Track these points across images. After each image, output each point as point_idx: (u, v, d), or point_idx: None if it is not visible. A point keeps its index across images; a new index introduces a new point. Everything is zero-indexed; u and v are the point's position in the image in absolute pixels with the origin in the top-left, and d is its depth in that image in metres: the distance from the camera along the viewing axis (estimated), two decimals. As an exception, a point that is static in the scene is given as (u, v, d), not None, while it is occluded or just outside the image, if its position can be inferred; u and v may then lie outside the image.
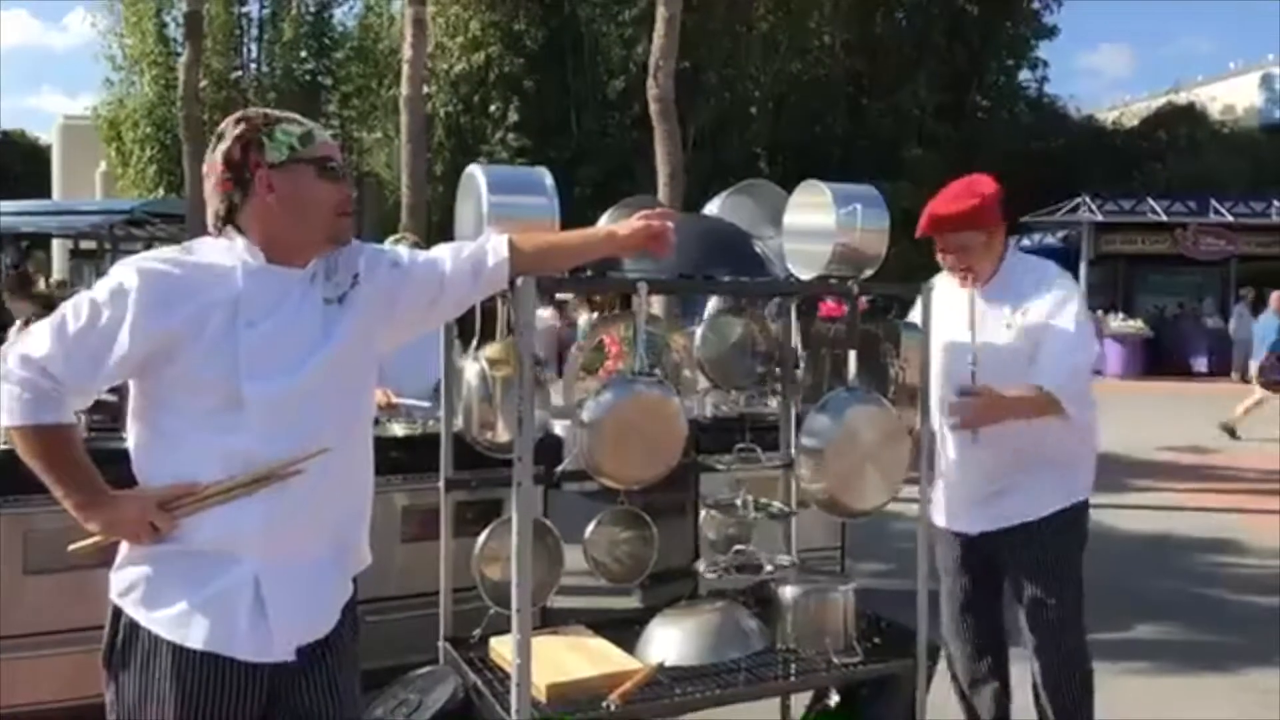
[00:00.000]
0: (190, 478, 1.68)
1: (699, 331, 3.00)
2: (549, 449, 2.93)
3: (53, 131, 30.87)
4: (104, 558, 1.78)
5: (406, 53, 11.59)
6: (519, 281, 2.05)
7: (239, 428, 1.68)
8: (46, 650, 3.18)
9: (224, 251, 1.75)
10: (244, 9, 25.34)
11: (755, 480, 3.02)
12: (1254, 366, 11.93)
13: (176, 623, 1.69)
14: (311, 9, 26.09)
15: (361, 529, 1.89)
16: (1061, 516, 2.87)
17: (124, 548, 1.75)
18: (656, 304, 5.78)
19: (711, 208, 3.00)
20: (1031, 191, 20.06)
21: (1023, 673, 3.02)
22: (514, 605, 2.12)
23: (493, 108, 23.27)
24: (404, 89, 11.62)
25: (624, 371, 2.39)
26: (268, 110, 1.84)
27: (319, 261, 1.80)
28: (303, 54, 26.03)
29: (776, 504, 2.89)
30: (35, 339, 1.66)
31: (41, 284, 18.83)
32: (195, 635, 1.68)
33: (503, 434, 2.57)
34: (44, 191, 26.11)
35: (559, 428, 3.38)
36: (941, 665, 2.86)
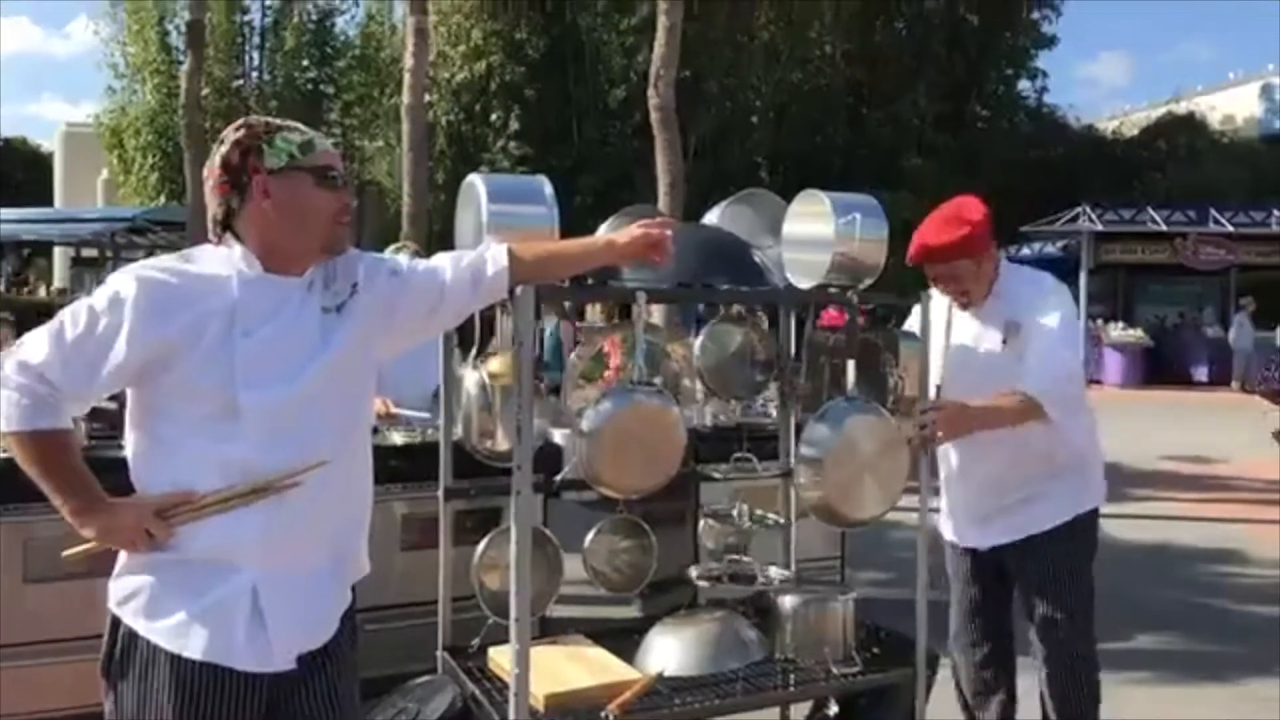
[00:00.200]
0: (187, 485, 1.68)
1: (698, 341, 3.00)
2: (548, 458, 2.93)
3: (54, 139, 30.92)
4: (101, 565, 1.78)
5: (408, 61, 11.61)
6: (518, 291, 2.05)
7: (235, 436, 1.68)
8: (47, 659, 3.17)
9: (222, 260, 1.75)
10: (246, 17, 25.40)
11: (755, 490, 3.02)
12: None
13: (175, 632, 1.69)
14: (313, 18, 26.15)
15: (360, 538, 1.89)
16: (1072, 526, 2.86)
17: (122, 557, 1.75)
18: (656, 313, 5.78)
19: (711, 217, 3.00)
20: (1031, 201, 20.12)
21: (1028, 683, 3.02)
22: (513, 614, 2.12)
23: (494, 116, 23.29)
24: (405, 97, 11.64)
25: (623, 380, 2.39)
26: (270, 119, 1.85)
27: (317, 270, 1.80)
28: (305, 62, 26.08)
29: (772, 515, 2.89)
30: (33, 346, 1.66)
31: (43, 291, 18.89)
32: (194, 645, 1.68)
33: (502, 442, 2.57)
34: (46, 199, 26.15)
35: (558, 436, 3.38)
36: (942, 675, 2.86)
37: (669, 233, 2.12)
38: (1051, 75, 36.37)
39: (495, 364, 2.53)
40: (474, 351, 2.67)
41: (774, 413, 3.13)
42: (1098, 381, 17.67)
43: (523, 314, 2.10)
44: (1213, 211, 19.94)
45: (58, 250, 20.82)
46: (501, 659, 2.37)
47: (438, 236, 12.03)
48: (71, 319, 1.67)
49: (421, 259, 2.05)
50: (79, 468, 1.71)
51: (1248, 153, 28.35)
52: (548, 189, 2.32)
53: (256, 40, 25.84)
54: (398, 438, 3.89)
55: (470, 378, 2.61)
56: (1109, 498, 2.98)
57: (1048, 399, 2.59)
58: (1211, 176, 24.68)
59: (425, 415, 3.87)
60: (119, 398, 1.81)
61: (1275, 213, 19.87)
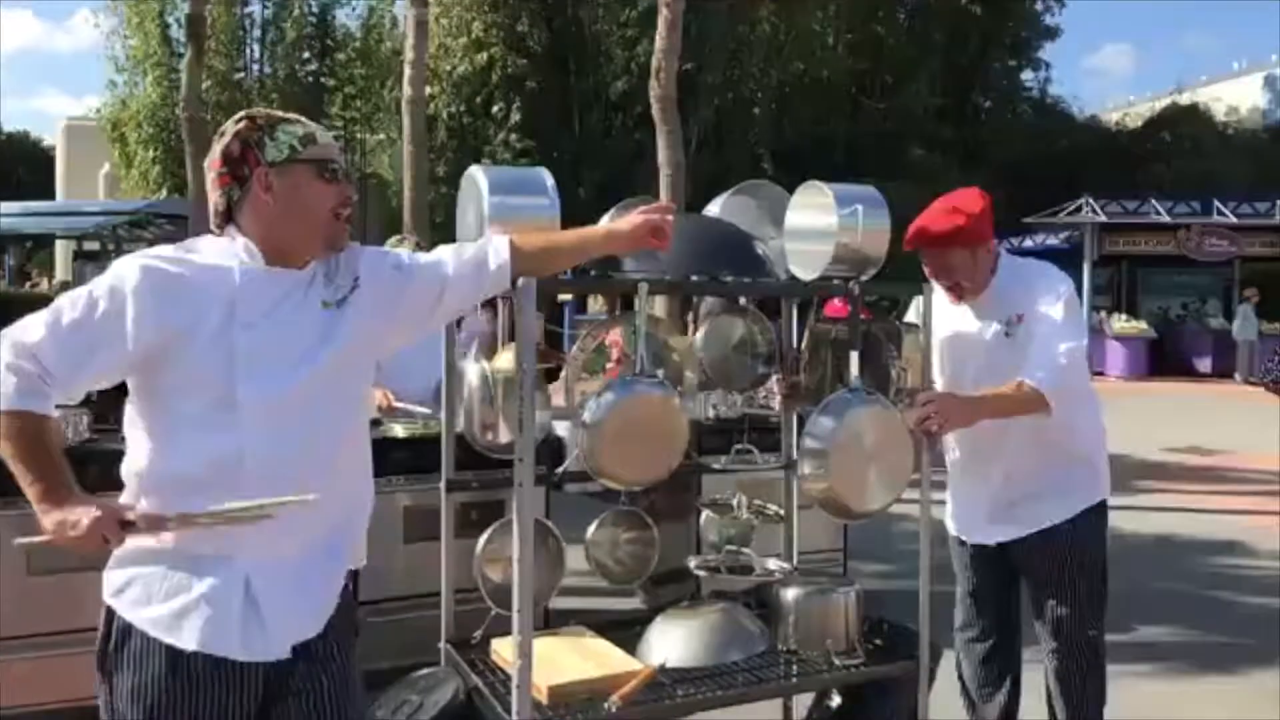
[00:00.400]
0: (178, 477, 1.67)
1: (700, 333, 2.99)
2: (551, 450, 2.93)
3: (56, 133, 30.92)
4: (85, 559, 1.74)
5: (409, 54, 11.60)
6: (520, 283, 2.04)
7: (231, 428, 1.67)
8: (50, 651, 3.18)
9: (224, 251, 1.75)
10: (247, 10, 25.35)
11: (758, 482, 3.02)
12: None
13: (169, 623, 1.69)
14: (314, 10, 26.11)
15: (357, 528, 1.89)
16: (1080, 519, 2.85)
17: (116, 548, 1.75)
18: (659, 305, 5.76)
19: (713, 208, 2.99)
20: (1034, 192, 20.08)
21: (1031, 677, 3.02)
22: (515, 606, 2.12)
23: (495, 109, 23.26)
24: (406, 90, 11.62)
25: (625, 372, 2.39)
26: (272, 111, 1.84)
27: (318, 264, 1.80)
28: (305, 55, 26.05)
29: (772, 506, 2.89)
30: (29, 327, 1.65)
31: (45, 284, 18.90)
32: (188, 635, 1.68)
33: (504, 435, 2.57)
34: (48, 194, 26.17)
35: (561, 429, 3.38)
36: (945, 666, 2.86)
37: (669, 217, 2.11)
38: (1055, 66, 36.37)
39: (502, 361, 2.54)
40: (476, 345, 2.66)
41: (776, 405, 3.12)
42: (1101, 374, 17.64)
43: (525, 307, 2.10)
44: (1216, 203, 19.87)
45: (60, 243, 20.81)
46: (504, 651, 2.37)
47: (439, 229, 12.03)
48: (70, 304, 1.66)
49: (423, 252, 2.05)
50: (55, 455, 1.67)
51: (1252, 143, 28.25)
52: (549, 181, 2.32)
53: (257, 33, 25.81)
54: (400, 430, 3.89)
55: (472, 370, 2.61)
56: (1112, 489, 2.98)
57: (1049, 389, 2.57)
58: (1215, 168, 24.59)
59: (426, 411, 3.87)
60: (123, 388, 1.80)
61: (1279, 203, 19.82)
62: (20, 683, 3.21)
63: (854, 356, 2.49)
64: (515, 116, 22.84)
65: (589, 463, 2.28)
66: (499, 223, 2.17)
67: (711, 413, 4.28)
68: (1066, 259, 16.36)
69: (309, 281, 1.78)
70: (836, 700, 2.67)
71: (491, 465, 2.62)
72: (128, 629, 1.71)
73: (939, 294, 2.85)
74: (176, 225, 15.07)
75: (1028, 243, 20.15)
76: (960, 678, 3.11)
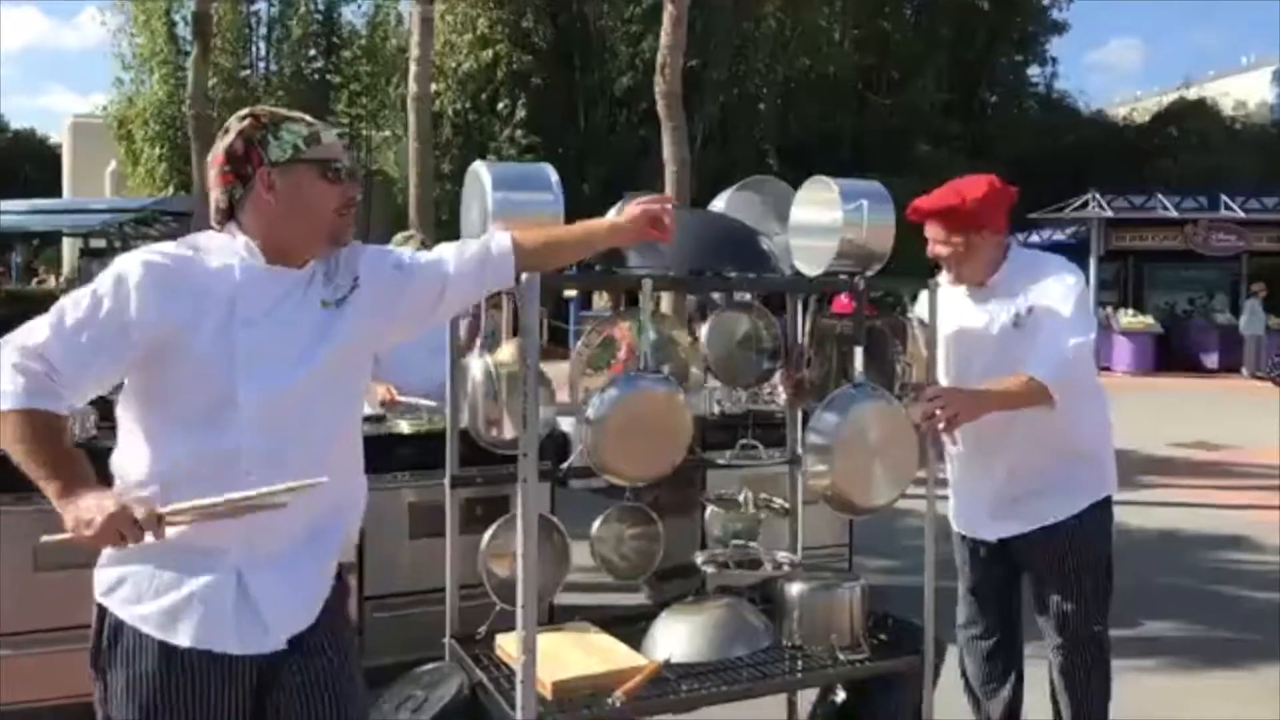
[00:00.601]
0: (173, 474, 1.67)
1: (705, 329, 2.99)
2: (555, 445, 2.93)
3: (63, 130, 31.00)
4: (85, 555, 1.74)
5: (414, 51, 11.59)
6: (524, 278, 2.04)
7: (229, 426, 1.67)
8: (56, 647, 3.19)
9: (225, 248, 1.75)
10: (253, 8, 25.42)
11: (763, 478, 3.02)
12: None
13: (163, 619, 1.69)
14: (320, 7, 26.15)
15: (349, 523, 1.90)
16: (1086, 515, 2.85)
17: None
18: (664, 301, 5.74)
19: (718, 204, 2.99)
20: (1041, 188, 19.98)
21: (1035, 672, 3.01)
22: (520, 601, 2.13)
23: (501, 105, 23.27)
24: (412, 87, 11.61)
25: (630, 368, 2.39)
26: (276, 109, 1.84)
27: (318, 263, 1.80)
28: (311, 52, 26.09)
29: (778, 500, 2.89)
30: (34, 329, 1.65)
31: (52, 281, 18.96)
32: (182, 631, 1.69)
33: (508, 430, 2.57)
34: (54, 191, 26.28)
35: (565, 424, 3.38)
36: (950, 662, 2.86)
37: (669, 207, 2.11)
38: (1062, 62, 36.30)
39: (503, 354, 2.54)
40: (479, 339, 2.67)
41: (781, 400, 3.12)
42: (1107, 369, 17.61)
43: (529, 303, 2.10)
44: (1224, 198, 19.80)
45: (66, 241, 20.89)
46: (509, 646, 2.37)
47: (445, 225, 12.03)
48: (73, 303, 1.66)
49: (428, 249, 2.05)
50: (70, 452, 1.67)
51: (1260, 138, 28.14)
52: (553, 176, 2.32)
53: (263, 30, 25.87)
54: (405, 426, 3.89)
55: (476, 365, 2.61)
56: (1118, 485, 2.97)
57: (1053, 382, 2.56)
58: (1223, 162, 24.51)
59: (431, 404, 3.87)
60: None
61: (1287, 198, 19.76)
62: (29, 678, 3.23)
63: (859, 352, 2.49)
64: (520, 113, 22.85)
65: (593, 458, 2.28)
66: (503, 218, 2.17)
67: (716, 408, 4.28)
68: (1073, 254, 16.21)
69: (308, 280, 1.79)
70: (841, 696, 2.67)
71: (496, 461, 2.62)
72: (119, 626, 1.71)
73: (946, 289, 2.84)
74: (182, 222, 15.11)
75: (1034, 238, 20.10)
76: (964, 674, 3.10)
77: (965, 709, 3.11)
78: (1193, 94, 31.18)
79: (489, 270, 1.95)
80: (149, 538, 1.60)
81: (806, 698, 2.92)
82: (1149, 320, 19.41)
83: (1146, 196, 20.15)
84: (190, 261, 1.71)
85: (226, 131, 1.78)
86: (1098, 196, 19.82)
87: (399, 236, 4.69)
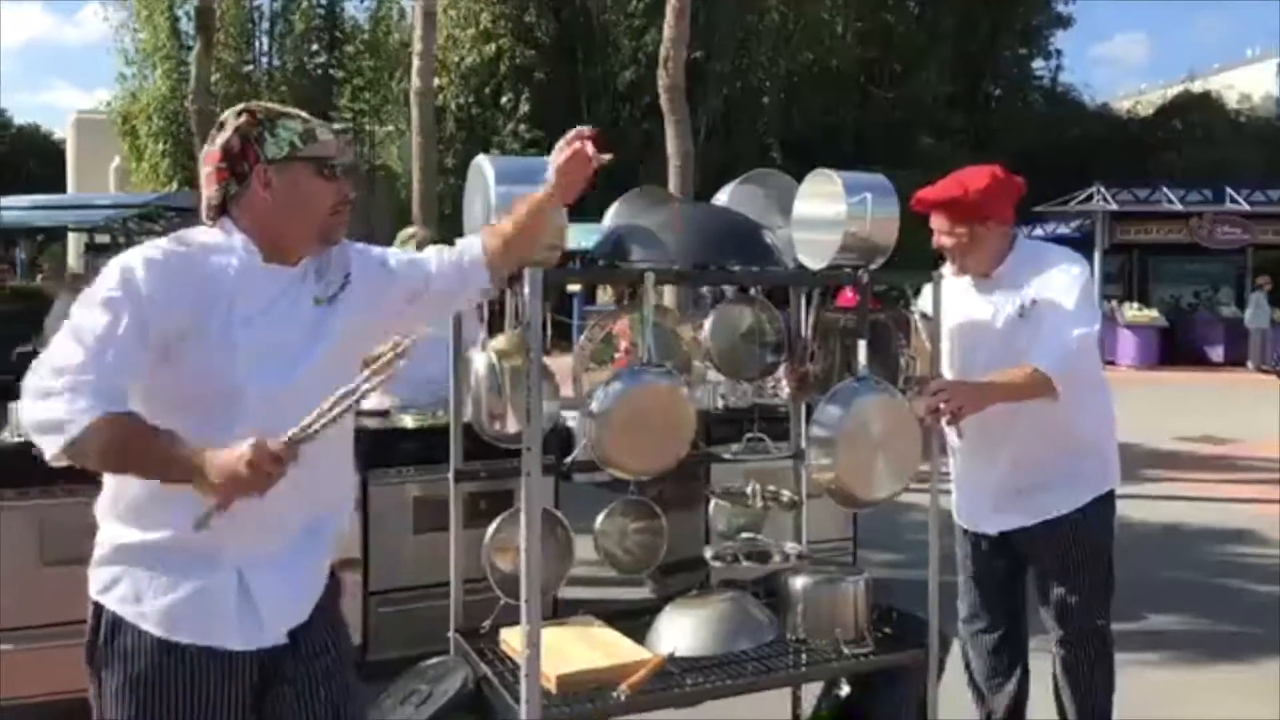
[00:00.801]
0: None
1: (708, 322, 2.99)
2: (559, 440, 2.93)
3: (67, 126, 31.03)
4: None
5: (417, 45, 11.58)
6: (526, 273, 2.05)
7: (230, 424, 1.65)
8: (64, 640, 3.20)
9: (220, 245, 1.74)
10: (255, 3, 25.42)
11: (765, 471, 3.02)
12: None
13: (164, 617, 1.69)
14: (322, 3, 26.15)
15: (342, 519, 1.92)
16: (1088, 510, 2.84)
17: (101, 545, 1.75)
18: (667, 295, 5.73)
19: (721, 197, 2.99)
20: (1045, 181, 19.93)
21: (1039, 667, 3.01)
22: (524, 596, 2.13)
23: (504, 99, 23.24)
24: (414, 81, 11.61)
25: (633, 362, 2.39)
26: (271, 105, 1.84)
27: (310, 261, 1.81)
28: (314, 47, 26.09)
29: (786, 493, 2.89)
30: (59, 351, 1.59)
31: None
32: (185, 629, 1.69)
33: (512, 425, 2.57)
34: (58, 187, 26.29)
35: (569, 418, 3.39)
36: (954, 656, 2.86)
37: (584, 132, 2.09)
38: (1067, 55, 36.19)
39: (502, 342, 2.53)
40: (483, 334, 2.67)
41: (784, 394, 3.12)
42: (1112, 363, 17.57)
43: (531, 296, 2.10)
44: (1229, 190, 19.74)
45: (71, 236, 20.89)
46: (513, 640, 2.38)
47: (448, 220, 12.03)
48: (87, 312, 1.63)
49: (432, 245, 2.06)
50: (166, 435, 1.60)
51: (1265, 131, 28.02)
52: (555, 170, 2.30)
53: (266, 25, 25.86)
54: (409, 421, 3.90)
55: (479, 360, 2.61)
56: (1122, 477, 2.96)
57: (1057, 374, 2.56)
58: (1228, 155, 24.42)
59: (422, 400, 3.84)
60: None
61: (1292, 191, 19.68)
62: (36, 672, 3.24)
63: (862, 345, 2.49)
64: (524, 107, 22.81)
65: (597, 452, 2.28)
66: (506, 212, 2.17)
67: (720, 402, 4.28)
68: (1077, 248, 16.15)
69: (302, 278, 1.79)
70: (845, 689, 2.67)
71: (500, 455, 2.63)
72: (117, 624, 1.71)
73: (950, 280, 2.84)
74: (186, 218, 15.06)
75: (1038, 231, 20.05)
76: (968, 668, 3.10)
77: (969, 703, 3.11)
78: (1197, 87, 31.08)
79: (466, 276, 1.98)
80: (116, 538, 1.66)
81: (811, 691, 2.92)
82: (1154, 314, 19.36)
83: (1151, 190, 20.08)
84: (188, 258, 1.70)
85: (222, 127, 1.77)
86: (1102, 190, 19.76)
87: (406, 233, 4.68)
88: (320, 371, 1.74)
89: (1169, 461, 8.97)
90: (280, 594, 1.77)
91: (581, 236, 3.01)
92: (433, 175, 11.81)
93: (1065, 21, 28.66)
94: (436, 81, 15.38)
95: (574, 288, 14.99)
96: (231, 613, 1.71)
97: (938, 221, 2.84)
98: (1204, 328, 19.66)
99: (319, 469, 1.81)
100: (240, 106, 1.80)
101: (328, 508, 1.87)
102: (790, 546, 2.77)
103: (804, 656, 2.47)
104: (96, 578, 1.75)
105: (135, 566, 1.71)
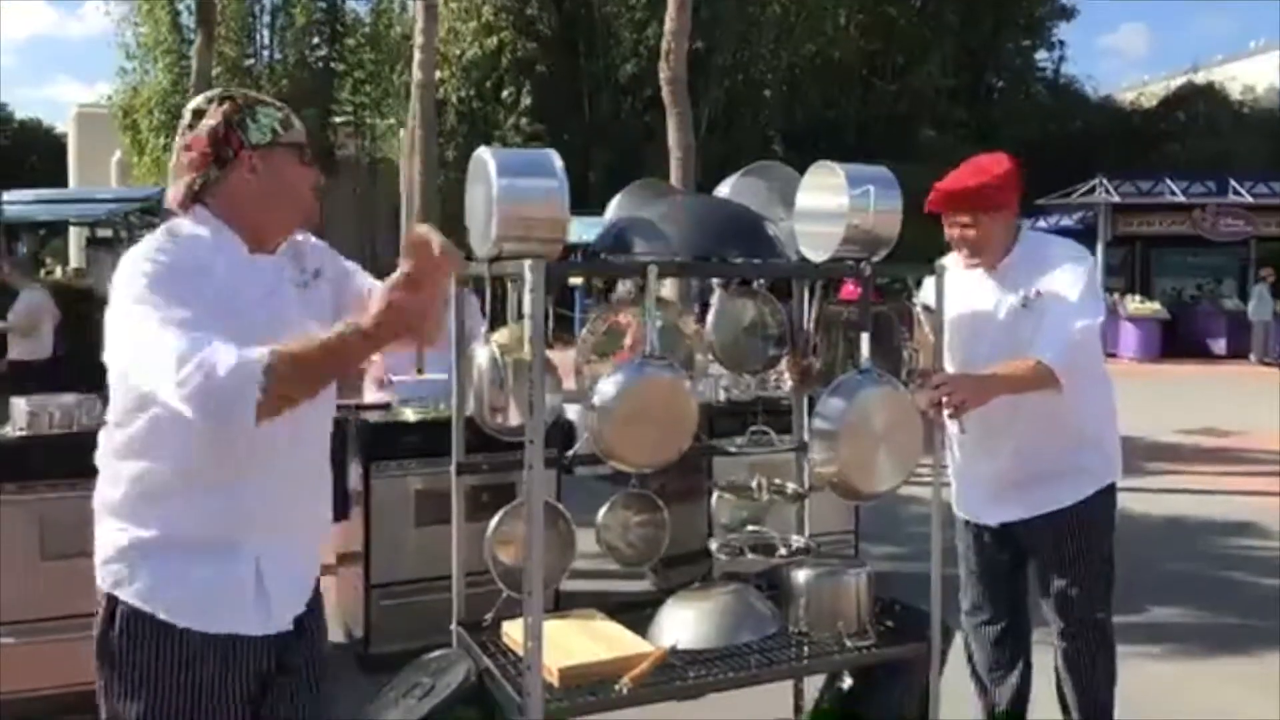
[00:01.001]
0: (174, 467, 1.68)
1: (710, 315, 2.98)
2: (561, 433, 2.93)
3: (68, 120, 31.00)
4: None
5: (418, 38, 11.57)
6: (529, 264, 2.05)
7: None
8: (64, 635, 3.21)
9: (208, 240, 1.74)
10: (256, -5, 25.35)
11: (768, 464, 3.01)
12: None
13: (188, 608, 1.71)
14: (324, -5, 26.08)
15: (327, 505, 2.00)
16: (1090, 502, 2.84)
17: (107, 540, 1.74)
18: (669, 288, 5.71)
19: (723, 189, 2.98)
20: (1048, 173, 19.91)
21: (1044, 657, 3.01)
22: (526, 589, 2.13)
23: (505, 92, 23.21)
24: (416, 75, 11.60)
25: (635, 355, 2.38)
26: (246, 91, 1.86)
27: (286, 249, 1.85)
28: (315, 40, 26.05)
29: (790, 485, 2.88)
30: (167, 348, 1.54)
31: (59, 272, 18.98)
32: (208, 619, 1.71)
33: (514, 418, 2.57)
34: (60, 180, 26.26)
35: (571, 412, 3.38)
36: (956, 649, 2.85)
37: (431, 241, 1.62)
38: (1070, 47, 36.10)
39: (504, 335, 2.53)
40: (485, 327, 2.66)
41: (787, 387, 3.11)
42: (1114, 355, 17.55)
43: (534, 290, 2.09)
44: (1232, 182, 19.68)
45: (73, 230, 20.90)
46: (515, 633, 2.37)
47: (449, 214, 12.02)
48: (153, 311, 1.58)
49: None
50: (322, 341, 1.57)
51: (1268, 122, 27.92)
52: (557, 162, 2.30)
53: (267, 18, 25.82)
54: (410, 414, 3.89)
55: (482, 353, 2.61)
56: (1124, 470, 2.96)
57: (1060, 366, 2.55)
58: (1231, 147, 24.36)
59: (442, 376, 3.83)
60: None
61: (1295, 183, 19.62)
62: (36, 666, 3.25)
63: (865, 338, 2.48)
64: (525, 100, 22.79)
65: (599, 445, 2.28)
66: (508, 204, 2.16)
67: (723, 395, 4.28)
68: (1080, 240, 16.17)
69: (283, 267, 1.83)
70: (848, 682, 2.67)
71: (502, 448, 2.62)
72: (133, 616, 1.71)
73: (954, 271, 2.83)
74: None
75: (1041, 223, 19.98)
76: (970, 661, 3.10)
77: (972, 696, 3.11)
78: (1200, 79, 30.96)
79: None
80: (126, 535, 1.71)
81: (813, 684, 2.91)
82: (1156, 306, 19.32)
83: (1154, 181, 20.02)
84: (184, 255, 1.69)
85: (202, 114, 1.76)
86: (1105, 182, 19.71)
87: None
88: None
89: (1171, 454, 8.97)
90: (287, 581, 1.81)
91: (583, 230, 3.01)
92: (434, 168, 11.81)
93: (1068, 13, 28.59)
94: (438, 74, 15.35)
95: (576, 281, 14.99)
96: (250, 601, 1.75)
97: (957, 215, 2.81)
98: (1206, 320, 19.62)
99: (321, 455, 1.89)
100: (218, 93, 1.81)
101: (325, 497, 1.95)
102: (796, 539, 2.77)
103: (806, 649, 2.46)
104: (108, 573, 1.74)
105: (154, 560, 1.71)
